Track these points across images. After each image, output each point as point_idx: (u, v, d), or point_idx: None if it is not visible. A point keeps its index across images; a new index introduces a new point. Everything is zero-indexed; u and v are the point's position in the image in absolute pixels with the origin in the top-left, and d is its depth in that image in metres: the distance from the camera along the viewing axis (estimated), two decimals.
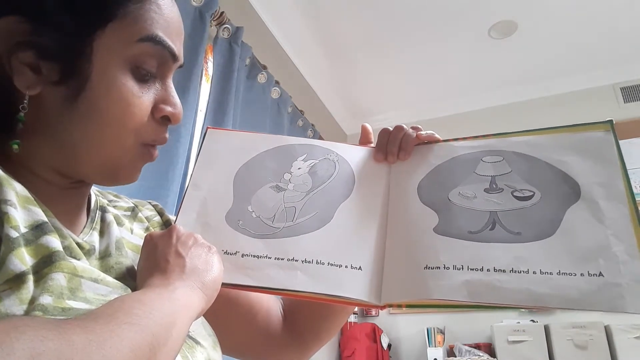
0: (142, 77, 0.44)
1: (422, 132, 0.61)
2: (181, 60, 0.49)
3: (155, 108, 0.46)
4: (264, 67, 2.03)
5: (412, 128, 0.62)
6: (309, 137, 2.56)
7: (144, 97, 0.44)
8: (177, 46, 0.47)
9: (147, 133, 0.45)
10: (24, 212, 0.36)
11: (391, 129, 0.62)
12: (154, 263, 0.45)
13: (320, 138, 2.72)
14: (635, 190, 2.53)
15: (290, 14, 2.35)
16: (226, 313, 0.60)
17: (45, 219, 0.38)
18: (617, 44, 2.62)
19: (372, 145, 0.65)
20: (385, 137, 0.62)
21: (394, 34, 2.53)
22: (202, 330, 0.51)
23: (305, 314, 0.66)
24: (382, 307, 0.49)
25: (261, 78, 2.01)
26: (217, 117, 1.62)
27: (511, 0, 2.30)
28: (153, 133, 0.46)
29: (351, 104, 3.22)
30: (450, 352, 2.58)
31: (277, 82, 2.15)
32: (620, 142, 0.51)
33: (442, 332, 2.64)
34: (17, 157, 0.42)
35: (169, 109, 0.46)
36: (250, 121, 1.89)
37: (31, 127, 0.42)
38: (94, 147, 0.43)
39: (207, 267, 0.46)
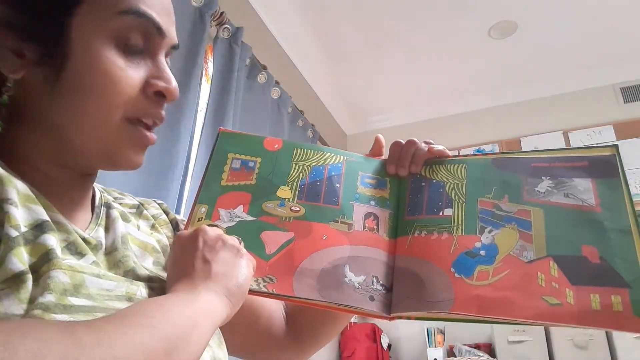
0: (128, 52, 0.43)
1: (434, 146, 0.62)
2: (172, 39, 0.47)
3: (146, 84, 0.44)
4: (264, 67, 2.02)
5: (425, 142, 0.63)
6: (309, 137, 2.56)
7: (130, 72, 0.43)
8: (164, 22, 0.46)
9: (135, 108, 0.44)
10: (24, 211, 0.36)
11: (403, 142, 0.63)
12: (181, 268, 0.46)
13: (321, 138, 2.72)
14: (635, 191, 2.53)
15: (290, 14, 2.35)
16: None
17: (45, 217, 0.38)
18: (617, 44, 2.62)
19: (384, 157, 0.65)
20: (397, 150, 0.63)
21: (394, 34, 2.52)
22: None
23: (308, 317, 0.66)
24: (391, 319, 0.50)
25: (261, 78, 2.01)
26: (217, 117, 1.62)
27: (511, 0, 2.30)
28: (143, 108, 0.45)
29: (351, 104, 3.21)
30: (450, 352, 2.58)
31: (277, 82, 2.15)
32: (620, 142, 0.52)
33: (442, 332, 2.64)
34: (18, 153, 0.42)
35: (161, 83, 0.45)
36: (250, 121, 1.89)
37: (18, 113, 0.42)
38: (80, 126, 0.42)
39: (233, 272, 0.46)
